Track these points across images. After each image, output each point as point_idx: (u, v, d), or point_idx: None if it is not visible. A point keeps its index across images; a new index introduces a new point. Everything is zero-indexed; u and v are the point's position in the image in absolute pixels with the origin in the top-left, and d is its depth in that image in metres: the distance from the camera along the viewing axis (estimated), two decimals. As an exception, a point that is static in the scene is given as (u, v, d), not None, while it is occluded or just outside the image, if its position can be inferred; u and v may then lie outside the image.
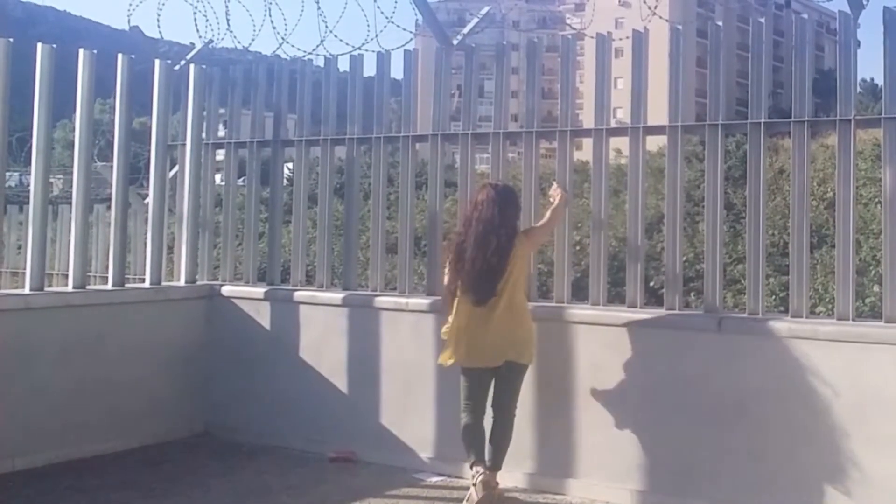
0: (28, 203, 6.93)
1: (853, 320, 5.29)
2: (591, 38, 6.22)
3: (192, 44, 7.78)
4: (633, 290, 5.92)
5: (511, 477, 5.89)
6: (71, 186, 6.98)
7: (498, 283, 5.44)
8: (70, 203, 7.25)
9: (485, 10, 6.94)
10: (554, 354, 5.89)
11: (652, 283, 8.85)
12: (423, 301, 6.42)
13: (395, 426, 6.43)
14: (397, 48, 6.76)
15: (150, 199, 7.47)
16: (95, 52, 6.82)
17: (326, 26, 6.92)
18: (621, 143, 6.20)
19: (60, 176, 26.29)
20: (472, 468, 5.51)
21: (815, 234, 9.77)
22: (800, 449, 5.21)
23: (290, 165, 8.36)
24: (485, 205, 5.52)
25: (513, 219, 5.61)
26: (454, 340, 5.54)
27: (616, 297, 6.44)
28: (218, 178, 8.44)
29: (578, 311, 5.91)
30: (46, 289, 6.67)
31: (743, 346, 5.38)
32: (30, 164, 6.61)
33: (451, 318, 5.57)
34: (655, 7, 6.59)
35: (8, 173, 7.27)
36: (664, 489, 5.52)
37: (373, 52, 6.80)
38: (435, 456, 6.24)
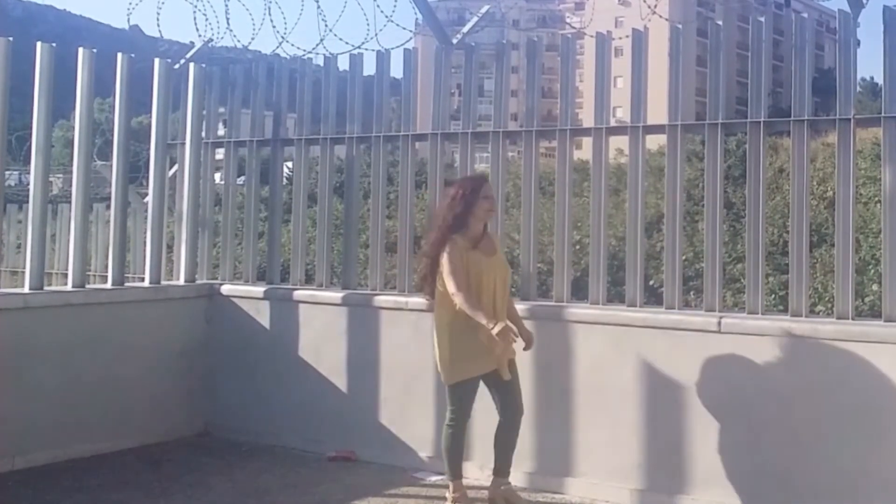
0: (27, 202, 6.92)
1: (853, 319, 5.29)
2: (591, 37, 6.22)
3: (192, 43, 7.78)
4: (633, 289, 5.92)
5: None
6: (70, 185, 6.97)
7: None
8: (69, 202, 7.25)
9: (484, 8, 6.94)
10: (553, 353, 5.89)
11: (652, 282, 8.85)
12: (422, 300, 6.41)
13: (395, 425, 6.43)
14: (397, 47, 6.78)
15: (149, 198, 7.46)
16: (95, 50, 6.82)
17: (326, 25, 6.93)
18: (621, 142, 6.20)
19: (60, 175, 26.32)
20: (458, 480, 5.48)
21: (815, 233, 9.76)
22: (800, 448, 5.21)
23: (290, 164, 8.35)
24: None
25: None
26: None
27: (616, 296, 6.44)
28: (217, 177, 8.43)
29: (578, 311, 5.91)
30: (46, 288, 6.67)
31: (742, 345, 5.38)
32: (29, 162, 6.61)
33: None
34: (655, 6, 6.60)
35: (7, 172, 7.26)
36: (664, 488, 5.52)
37: (372, 51, 6.81)
38: (435, 455, 6.23)
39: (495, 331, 5.08)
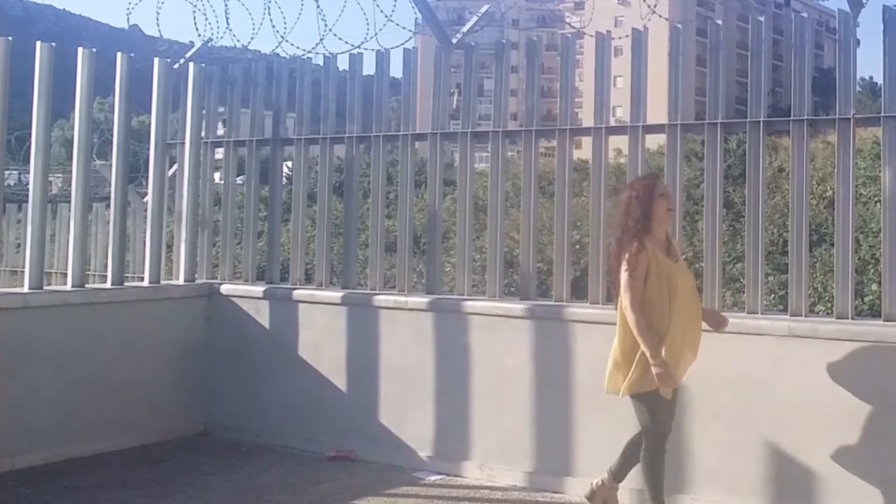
0: (27, 202, 6.92)
1: (852, 319, 5.29)
2: (591, 36, 6.22)
3: (192, 42, 7.79)
4: (633, 289, 5.90)
5: (510, 475, 5.90)
6: (70, 185, 6.97)
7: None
8: (69, 201, 7.26)
9: (484, 8, 6.94)
10: (553, 353, 5.89)
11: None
12: (422, 299, 6.41)
13: (394, 425, 6.43)
14: (397, 47, 6.78)
15: (149, 198, 7.46)
16: (94, 50, 6.83)
17: (326, 25, 6.93)
18: (621, 141, 6.20)
19: (59, 174, 26.32)
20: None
21: (815, 233, 9.77)
22: (800, 448, 5.20)
23: (290, 164, 8.34)
24: None
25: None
26: None
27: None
28: (217, 176, 8.43)
29: (578, 310, 5.91)
30: (45, 287, 6.67)
31: (742, 345, 5.38)
32: (29, 162, 6.61)
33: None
34: (655, 6, 6.60)
35: (7, 172, 7.27)
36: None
37: (372, 50, 6.82)
38: (434, 454, 6.24)
39: (655, 370, 4.76)
